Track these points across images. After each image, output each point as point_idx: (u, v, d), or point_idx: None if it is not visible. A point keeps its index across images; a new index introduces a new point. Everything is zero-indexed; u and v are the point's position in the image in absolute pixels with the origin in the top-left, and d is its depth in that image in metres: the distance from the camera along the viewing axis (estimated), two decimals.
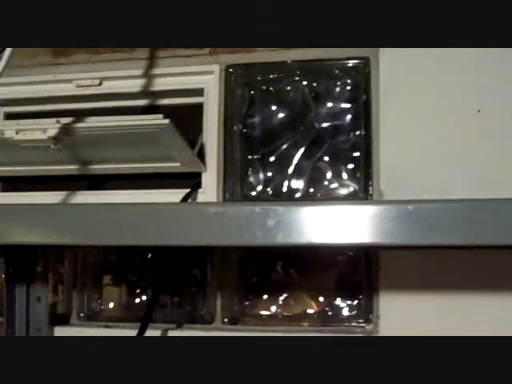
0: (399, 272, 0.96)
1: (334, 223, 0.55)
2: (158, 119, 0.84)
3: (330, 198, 1.01)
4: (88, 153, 0.98)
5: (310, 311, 1.03)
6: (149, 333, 0.97)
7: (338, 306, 1.02)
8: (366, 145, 1.00)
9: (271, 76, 1.05)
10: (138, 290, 1.11)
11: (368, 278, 0.99)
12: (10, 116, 1.16)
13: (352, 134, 1.02)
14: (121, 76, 1.09)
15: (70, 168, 1.02)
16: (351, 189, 1.01)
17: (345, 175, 1.02)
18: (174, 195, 1.02)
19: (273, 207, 0.56)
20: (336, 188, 1.02)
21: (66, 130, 0.85)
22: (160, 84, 1.08)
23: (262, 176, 1.05)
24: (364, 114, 1.01)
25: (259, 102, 1.06)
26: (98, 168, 1.02)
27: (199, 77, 1.07)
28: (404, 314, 0.96)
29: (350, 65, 1.02)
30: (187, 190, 1.02)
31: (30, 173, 1.06)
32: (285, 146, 1.04)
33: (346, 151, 1.02)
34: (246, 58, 1.05)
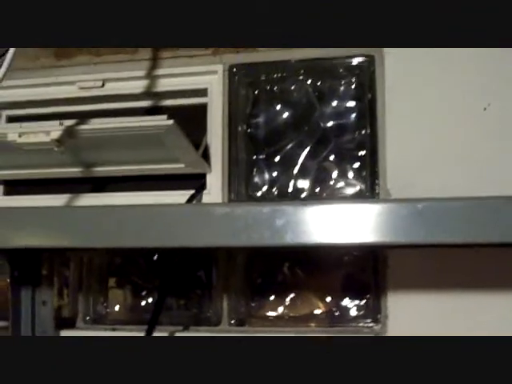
0: (407, 271, 0.95)
1: (344, 222, 0.54)
2: (163, 120, 0.84)
3: (337, 197, 1.01)
4: (91, 155, 0.97)
5: (317, 312, 1.03)
6: (155, 335, 0.97)
7: (345, 307, 1.01)
8: (372, 143, 0.99)
9: (275, 75, 1.05)
10: (143, 293, 1.11)
11: (376, 278, 0.98)
12: (12, 119, 1.16)
13: (357, 132, 1.01)
14: (123, 77, 1.08)
15: (74, 171, 1.01)
16: (357, 188, 1.01)
17: (351, 174, 1.01)
18: (179, 197, 1.02)
19: (281, 207, 0.55)
20: (342, 187, 1.01)
21: (69, 133, 0.84)
22: (163, 85, 1.08)
23: (267, 176, 1.04)
24: (369, 112, 1.00)
25: (263, 102, 1.05)
26: (101, 170, 1.01)
27: (203, 77, 1.07)
28: (413, 314, 0.95)
29: (355, 63, 1.02)
30: (192, 192, 1.01)
31: (32, 176, 1.05)
32: (290, 146, 1.03)
33: (351, 150, 1.01)
34: (250, 58, 1.04)
